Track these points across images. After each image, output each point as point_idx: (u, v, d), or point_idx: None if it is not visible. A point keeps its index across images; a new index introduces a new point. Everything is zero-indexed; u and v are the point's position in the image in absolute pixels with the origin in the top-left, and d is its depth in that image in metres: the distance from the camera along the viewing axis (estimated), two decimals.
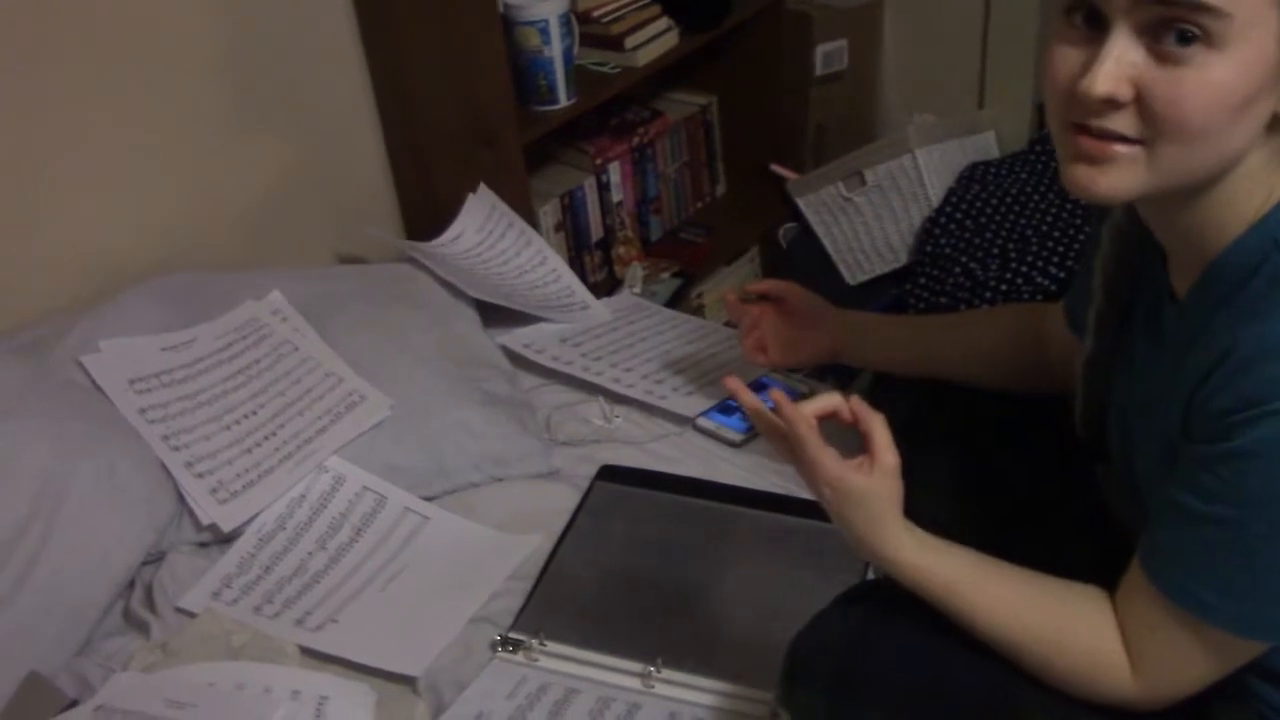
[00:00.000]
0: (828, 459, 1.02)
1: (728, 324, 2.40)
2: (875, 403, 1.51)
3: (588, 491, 1.56)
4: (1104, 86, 0.83)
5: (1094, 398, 1.14)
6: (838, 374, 2.00)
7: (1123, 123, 0.85)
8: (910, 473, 1.17)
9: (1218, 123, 0.83)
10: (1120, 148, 0.86)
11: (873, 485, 1.01)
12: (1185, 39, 0.81)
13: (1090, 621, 0.98)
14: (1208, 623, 0.90)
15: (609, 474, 1.58)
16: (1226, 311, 0.89)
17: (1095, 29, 0.85)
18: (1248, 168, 0.88)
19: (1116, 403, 1.10)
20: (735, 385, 1.10)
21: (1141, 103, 0.84)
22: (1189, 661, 0.93)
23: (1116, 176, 0.87)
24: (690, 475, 1.57)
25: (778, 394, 1.05)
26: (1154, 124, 0.84)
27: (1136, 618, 0.95)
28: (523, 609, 1.40)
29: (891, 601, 1.04)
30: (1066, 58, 0.87)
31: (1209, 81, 0.81)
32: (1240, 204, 0.89)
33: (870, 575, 1.37)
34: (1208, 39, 0.80)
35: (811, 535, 1.44)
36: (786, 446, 1.06)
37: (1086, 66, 0.84)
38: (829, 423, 1.07)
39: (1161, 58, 0.82)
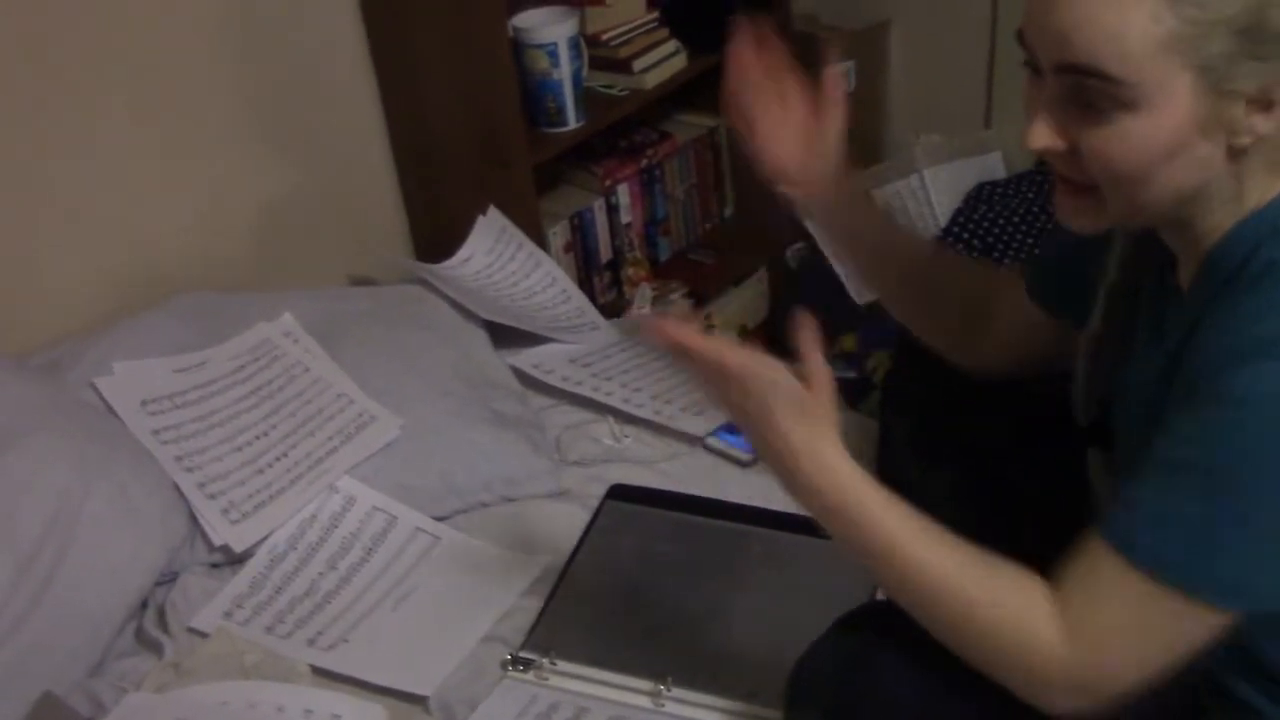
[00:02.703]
0: (756, 360, 0.95)
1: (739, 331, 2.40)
2: (883, 417, 1.52)
3: (598, 511, 1.57)
4: (1036, 143, 0.90)
5: (1096, 380, 1.14)
6: (849, 393, 2.01)
7: (1067, 166, 0.92)
8: (916, 486, 1.17)
9: (1147, 172, 0.88)
10: (1076, 189, 0.92)
11: (810, 392, 0.96)
12: (1100, 102, 0.86)
13: (1020, 583, 0.93)
14: (1157, 577, 0.87)
15: (619, 493, 1.59)
16: (1221, 302, 0.91)
17: (1042, 79, 0.90)
18: (1226, 189, 0.90)
19: (1121, 391, 1.10)
20: (657, 325, 0.97)
21: (1076, 152, 0.90)
22: (1129, 627, 0.90)
23: (1083, 213, 0.94)
24: (700, 494, 1.58)
25: (677, 330, 0.96)
26: (1091, 173, 0.90)
27: (1080, 575, 0.91)
28: (533, 628, 1.40)
29: (889, 626, 1.04)
30: (1027, 108, 0.93)
31: (1128, 137, 0.86)
32: (1230, 215, 0.92)
33: (878, 596, 1.37)
34: (1119, 102, 0.85)
35: (821, 554, 1.44)
36: (714, 382, 0.98)
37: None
38: None
39: (1085, 116, 0.88)
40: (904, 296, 1.34)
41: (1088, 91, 0.86)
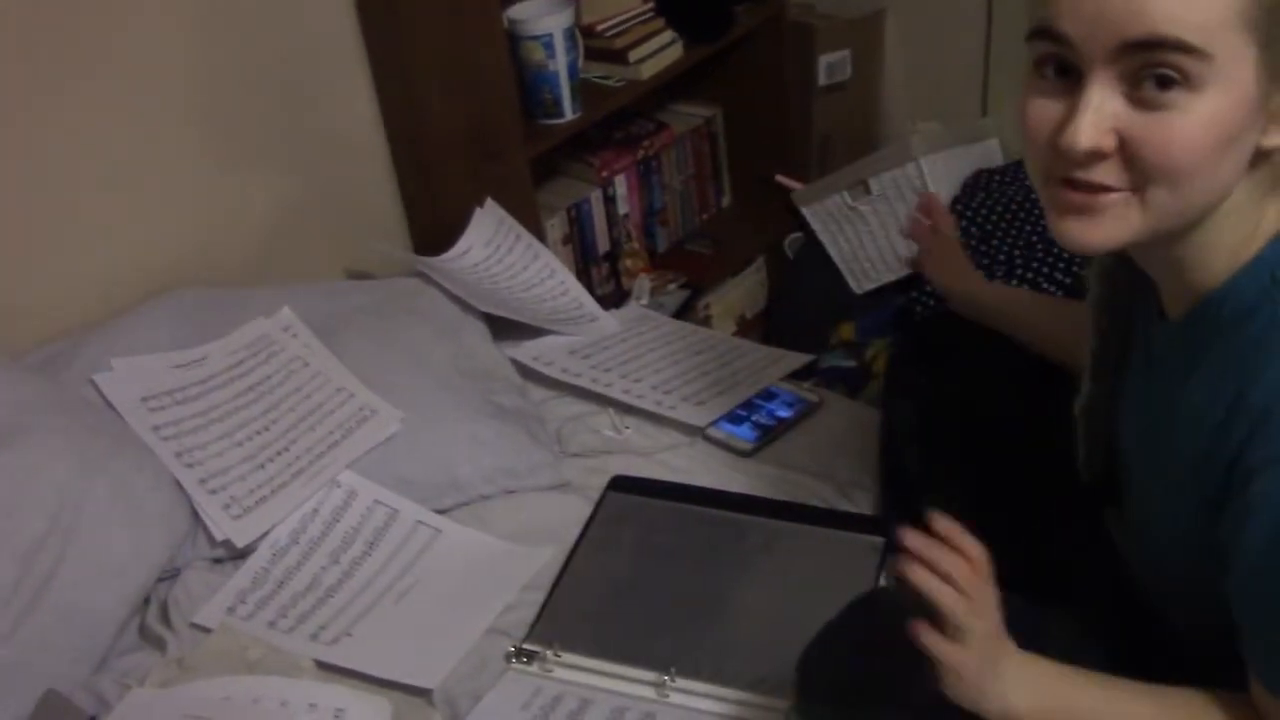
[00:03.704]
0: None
1: (735, 334, 2.41)
2: (884, 405, 1.52)
3: (599, 502, 1.57)
4: (1087, 140, 0.81)
5: (1096, 441, 1.13)
6: (848, 382, 2.01)
7: (1107, 173, 0.83)
8: (918, 473, 1.16)
9: (1207, 163, 0.81)
10: (1110, 196, 0.84)
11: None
12: (1165, 83, 0.79)
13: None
14: None
15: (620, 484, 1.59)
16: (1225, 348, 0.88)
17: (1069, 79, 0.84)
18: (1233, 203, 0.87)
19: (1122, 447, 1.08)
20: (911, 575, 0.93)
21: (1127, 151, 0.82)
22: None
23: (1109, 226, 0.85)
24: (701, 484, 1.58)
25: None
26: (1143, 171, 0.82)
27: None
28: (536, 620, 1.40)
29: (900, 610, 1.04)
30: (1042, 111, 0.85)
31: (1194, 123, 0.80)
32: (1226, 237, 0.88)
33: (882, 583, 1.38)
34: (1187, 81, 0.79)
35: (823, 542, 1.45)
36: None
37: (1064, 119, 0.83)
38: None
39: (1141, 104, 0.81)
40: (1058, 352, 1.34)
41: (1154, 68, 0.79)
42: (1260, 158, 0.85)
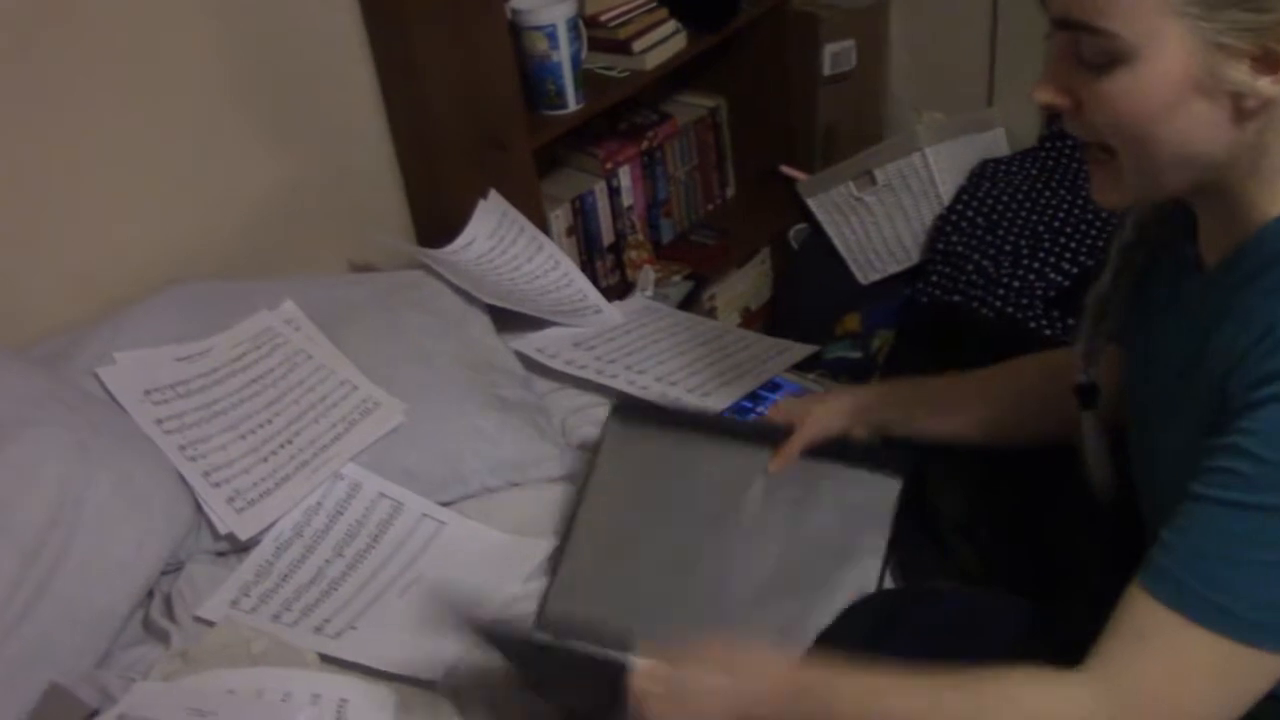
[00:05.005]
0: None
1: (740, 325, 2.40)
2: None
3: (600, 439, 1.52)
4: (1041, 96, 0.90)
5: (1098, 339, 1.11)
6: (853, 373, 2.00)
7: (1076, 125, 0.90)
8: (931, 470, 1.15)
9: (1145, 128, 0.85)
10: (1099, 160, 0.90)
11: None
12: (1092, 53, 0.85)
13: (1021, 672, 0.90)
14: (1220, 632, 0.82)
15: (624, 410, 1.53)
16: (1259, 286, 0.87)
17: None
18: (1271, 152, 0.86)
19: (1138, 361, 1.07)
20: None
21: (1082, 111, 0.88)
22: (1193, 688, 0.84)
23: (1107, 186, 0.92)
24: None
25: None
26: (1098, 128, 0.88)
27: (1124, 632, 0.87)
28: (540, 609, 1.39)
29: (897, 614, 1.04)
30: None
31: (1123, 91, 0.84)
32: (1266, 185, 0.88)
33: (888, 579, 1.37)
34: (1114, 55, 0.84)
35: (838, 482, 1.38)
36: None
37: None
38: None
39: (1087, 69, 0.86)
40: (998, 432, 1.31)
41: (1084, 46, 0.85)
42: (1247, 117, 0.85)
